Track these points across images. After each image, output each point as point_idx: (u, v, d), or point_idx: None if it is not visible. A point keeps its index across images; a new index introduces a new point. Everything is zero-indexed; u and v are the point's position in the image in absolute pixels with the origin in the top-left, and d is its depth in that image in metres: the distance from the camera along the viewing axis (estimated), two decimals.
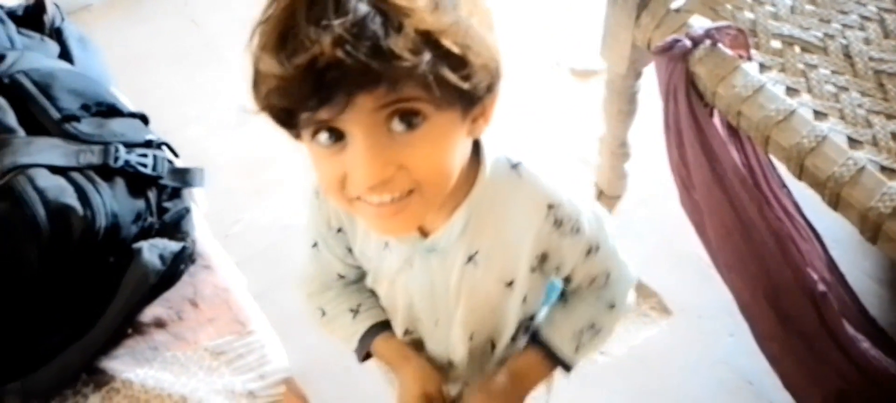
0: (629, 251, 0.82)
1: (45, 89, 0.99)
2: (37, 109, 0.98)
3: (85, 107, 1.00)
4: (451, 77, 0.52)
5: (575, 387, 1.08)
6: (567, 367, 0.81)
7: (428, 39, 0.50)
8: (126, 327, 0.97)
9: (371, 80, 0.49)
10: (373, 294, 0.85)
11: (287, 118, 0.54)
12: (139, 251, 0.93)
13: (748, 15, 1.23)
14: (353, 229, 0.76)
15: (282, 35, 0.50)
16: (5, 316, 0.89)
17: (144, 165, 0.97)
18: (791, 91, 1.13)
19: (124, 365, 0.97)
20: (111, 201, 0.92)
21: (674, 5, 1.25)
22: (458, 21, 0.52)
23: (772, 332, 1.22)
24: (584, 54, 2.16)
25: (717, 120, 1.18)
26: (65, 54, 1.21)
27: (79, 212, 0.89)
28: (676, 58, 1.17)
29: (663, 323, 1.68)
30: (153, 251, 0.94)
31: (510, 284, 0.74)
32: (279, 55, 0.50)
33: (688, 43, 1.16)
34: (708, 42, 1.13)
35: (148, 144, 1.01)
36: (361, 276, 0.84)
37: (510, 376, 0.79)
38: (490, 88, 0.58)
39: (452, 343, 0.81)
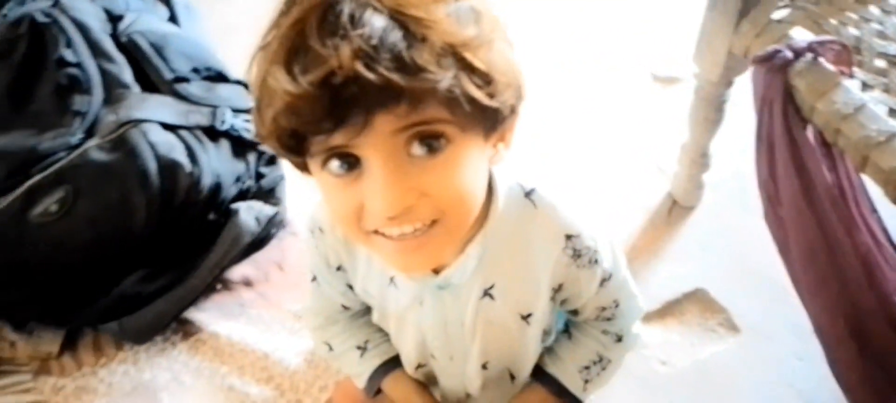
0: (638, 287, 0.78)
1: (159, 50, 1.04)
2: (151, 69, 1.03)
3: (195, 71, 1.05)
4: (477, 94, 0.47)
5: (636, 395, 1.08)
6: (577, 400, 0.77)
7: (452, 52, 0.46)
8: (216, 282, 1.01)
9: (392, 98, 0.45)
10: (380, 329, 0.79)
11: (295, 144, 0.48)
12: (237, 211, 0.98)
13: (853, 31, 1.19)
14: (354, 267, 0.71)
15: (293, 49, 0.45)
16: (111, 260, 0.95)
17: (248, 130, 1.02)
18: (894, 113, 1.09)
19: (212, 318, 1.02)
20: (216, 161, 0.97)
21: (776, 15, 1.22)
22: (480, 35, 0.48)
23: (849, 360, 1.18)
24: (668, 60, 2.13)
25: (810, 135, 1.15)
26: (172, 19, 1.27)
27: (186, 169, 0.94)
28: (775, 69, 1.14)
29: (730, 340, 1.65)
30: (249, 212, 0.98)
31: (528, 317, 0.69)
32: (291, 70, 0.45)
33: (789, 54, 1.13)
34: (810, 55, 1.10)
35: (251, 111, 1.05)
36: (368, 309, 0.78)
37: None
38: (513, 109, 0.54)
39: (469, 377, 0.77)
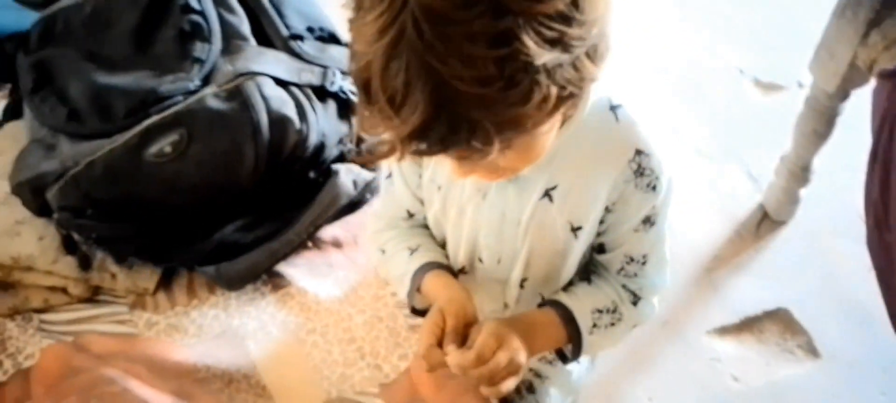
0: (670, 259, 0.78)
1: (277, 6, 1.06)
2: (267, 23, 1.06)
3: (309, 30, 1.07)
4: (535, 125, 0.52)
5: None
6: (578, 345, 0.76)
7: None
8: (308, 240, 1.04)
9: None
10: (434, 240, 0.82)
11: None
12: (337, 172, 0.99)
13: None
14: None
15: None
16: (214, 205, 0.98)
17: (354, 93, 1.03)
18: None
19: (301, 274, 1.04)
20: (323, 121, 0.98)
21: None
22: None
23: None
24: (772, 66, 2.05)
25: None
26: None
27: (296, 125, 0.96)
28: None
29: (809, 365, 1.58)
30: (349, 175, 1.00)
31: (577, 230, 0.71)
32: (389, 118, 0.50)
33: None
34: None
35: None
36: (425, 221, 0.82)
37: (528, 323, 0.74)
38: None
39: (510, 285, 0.79)
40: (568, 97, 0.52)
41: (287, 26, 1.05)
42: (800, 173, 1.58)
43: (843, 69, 1.22)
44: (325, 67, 1.03)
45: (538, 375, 0.91)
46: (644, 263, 0.75)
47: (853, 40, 1.17)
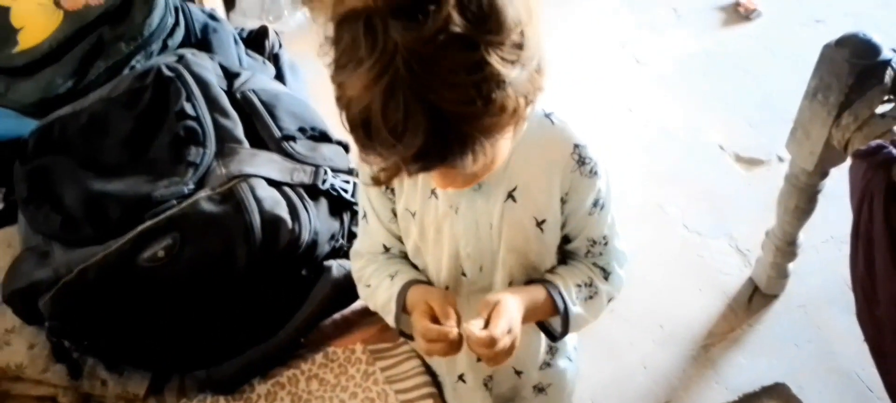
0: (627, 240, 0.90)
1: (270, 108, 1.08)
2: (261, 125, 1.07)
3: (301, 130, 1.09)
4: (509, 129, 0.63)
5: None
6: (565, 321, 0.85)
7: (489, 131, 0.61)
8: (303, 336, 1.03)
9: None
10: (412, 264, 0.90)
11: None
12: (329, 268, 0.99)
13: None
14: (400, 184, 0.83)
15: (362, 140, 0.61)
16: (206, 308, 0.98)
17: (346, 190, 1.04)
18: None
19: (293, 363, 1.03)
20: (315, 219, 0.99)
21: (880, 110, 1.18)
22: (516, 74, 0.59)
23: None
24: (752, 141, 2.08)
25: None
26: (279, 77, 1.32)
27: (288, 225, 0.96)
28: (878, 165, 1.10)
29: None
30: (341, 270, 0.99)
31: (542, 223, 0.82)
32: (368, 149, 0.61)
33: (893, 151, 1.09)
34: None
35: (350, 172, 1.08)
36: (403, 252, 0.91)
37: (530, 300, 0.82)
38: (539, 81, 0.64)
39: (496, 289, 0.86)
40: (529, 104, 0.63)
41: (280, 128, 1.07)
42: (786, 248, 1.59)
43: (819, 149, 1.25)
44: (316, 166, 1.04)
45: (541, 390, 1.02)
46: (606, 243, 0.87)
47: (826, 121, 1.20)
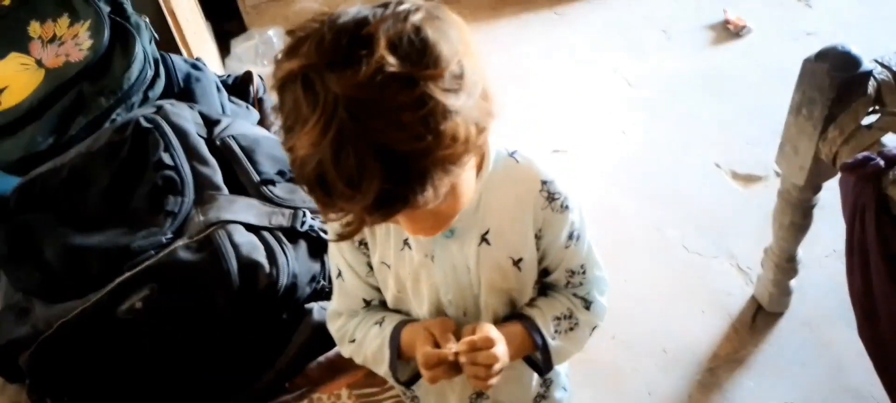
0: (603, 268, 0.89)
1: (249, 154, 1.08)
2: (240, 170, 1.07)
3: (281, 173, 1.08)
4: (464, 160, 0.62)
5: None
6: (546, 355, 0.84)
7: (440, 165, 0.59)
8: (286, 380, 1.00)
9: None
10: (396, 311, 0.88)
11: None
12: (310, 311, 0.97)
13: None
14: (373, 239, 0.82)
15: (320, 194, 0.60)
16: (189, 356, 0.96)
17: (325, 232, 1.02)
18: None
19: None
20: (293, 262, 0.97)
21: (866, 121, 1.15)
22: (460, 110, 0.58)
23: None
24: (748, 158, 2.05)
25: None
26: (262, 121, 1.32)
27: (266, 270, 0.94)
28: (867, 177, 1.07)
29: None
30: (322, 313, 0.97)
31: (519, 262, 0.81)
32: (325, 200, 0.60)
33: (881, 162, 1.06)
34: None
35: None
36: (383, 302, 0.89)
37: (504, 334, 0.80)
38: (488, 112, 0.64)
39: None
40: (482, 131, 0.62)
41: (259, 172, 1.06)
42: (786, 264, 1.55)
43: (808, 164, 1.22)
44: (295, 209, 1.03)
45: None
46: (584, 272, 0.86)
47: (813, 136, 1.18)
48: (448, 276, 0.81)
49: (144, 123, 1.06)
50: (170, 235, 0.97)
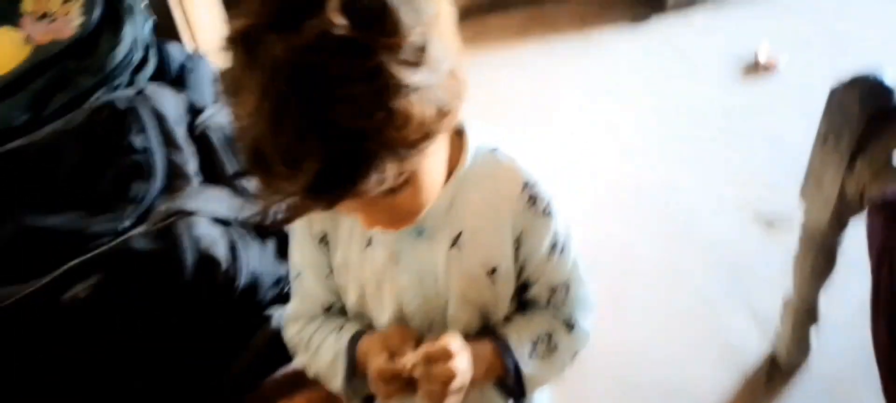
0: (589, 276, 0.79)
1: (230, 144, 1.02)
2: (217, 162, 1.00)
3: None
4: (423, 144, 0.54)
5: None
6: (519, 381, 0.75)
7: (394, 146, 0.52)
8: (241, 392, 0.92)
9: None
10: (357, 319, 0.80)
11: None
12: (269, 318, 0.89)
13: None
14: (336, 235, 0.74)
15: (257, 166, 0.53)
16: (134, 355, 0.88)
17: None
18: None
19: None
20: (256, 261, 0.90)
21: None
22: (423, 86, 0.52)
23: None
24: (772, 202, 1.94)
25: None
26: None
27: (223, 266, 0.87)
28: None
29: None
30: (281, 320, 0.89)
31: (494, 273, 0.72)
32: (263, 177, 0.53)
33: None
34: None
35: None
36: (343, 308, 0.81)
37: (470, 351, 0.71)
38: (458, 94, 0.57)
39: None
40: (445, 115, 0.55)
41: (236, 163, 1.00)
42: (806, 315, 1.43)
43: (833, 198, 1.11)
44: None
45: None
46: (567, 290, 0.77)
47: (839, 168, 1.07)
48: (413, 282, 0.73)
49: (122, 104, 1.01)
50: (129, 222, 0.91)
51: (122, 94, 1.04)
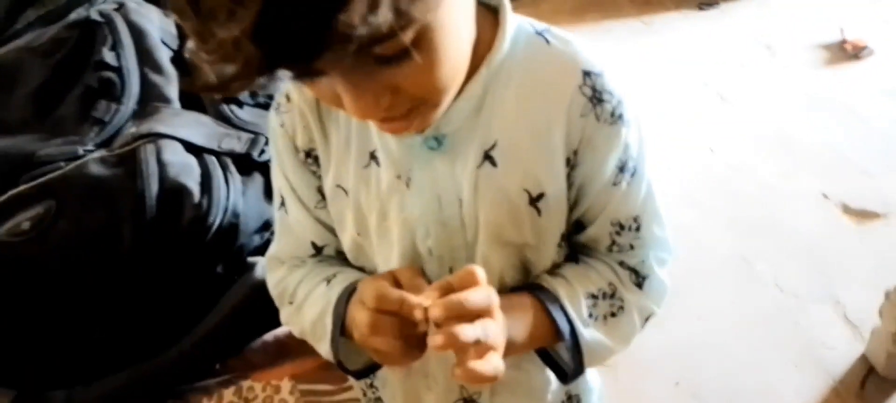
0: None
1: None
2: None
3: (253, 94, 0.84)
4: None
5: None
6: (576, 350, 0.55)
7: None
8: (214, 357, 0.74)
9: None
10: (354, 267, 0.62)
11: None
12: (253, 266, 0.71)
13: None
14: (327, 149, 0.57)
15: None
16: (81, 303, 0.71)
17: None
18: None
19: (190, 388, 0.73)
20: (236, 197, 0.72)
21: None
22: None
23: None
24: (864, 191, 1.69)
25: None
26: None
27: (194, 199, 0.69)
28: None
29: None
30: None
31: (539, 200, 0.54)
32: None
33: None
34: None
35: None
36: (340, 251, 0.62)
37: (503, 304, 0.51)
38: None
39: None
40: None
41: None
42: None
43: None
44: (256, 135, 0.78)
45: None
46: (638, 228, 0.58)
47: None
48: (430, 210, 0.55)
49: (96, 17, 0.85)
50: (90, 147, 0.74)
51: (100, 8, 0.88)
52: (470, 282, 0.48)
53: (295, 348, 0.76)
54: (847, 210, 1.68)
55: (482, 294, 0.48)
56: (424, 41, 0.40)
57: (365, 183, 0.56)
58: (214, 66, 0.36)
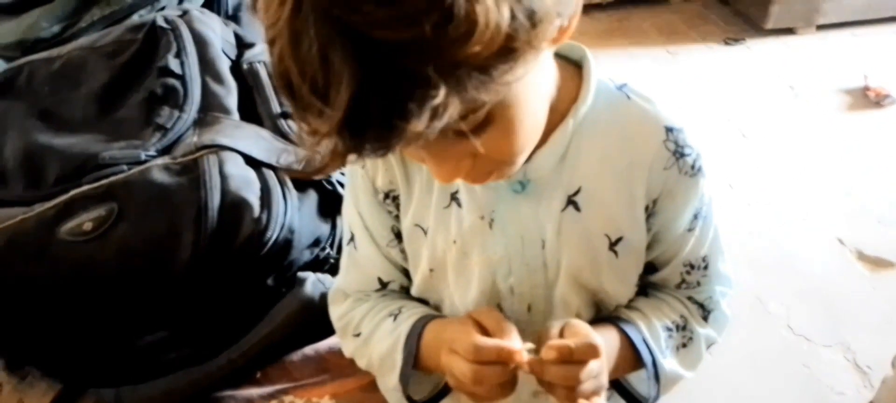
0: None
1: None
2: (260, 99, 0.84)
3: None
4: (507, 68, 0.37)
5: None
6: (656, 378, 0.58)
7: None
8: (257, 366, 0.75)
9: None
10: (420, 300, 0.64)
11: None
12: (303, 282, 0.72)
13: None
14: (408, 189, 0.58)
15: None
16: (135, 307, 0.72)
17: (343, 185, 0.78)
18: None
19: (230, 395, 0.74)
20: (293, 213, 0.73)
21: None
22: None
23: None
24: (879, 239, 1.68)
25: None
26: None
27: (254, 213, 0.70)
28: None
29: None
30: (318, 287, 0.72)
31: (617, 244, 0.56)
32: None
33: None
34: None
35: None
36: (405, 287, 0.64)
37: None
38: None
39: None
40: (538, 22, 0.37)
41: (281, 102, 0.83)
42: None
43: None
44: None
45: None
46: (706, 266, 0.61)
47: None
48: (513, 250, 0.56)
49: (162, 23, 0.86)
50: (152, 152, 0.75)
51: (165, 14, 0.89)
52: (591, 355, 0.50)
53: (335, 365, 0.76)
54: (862, 256, 1.68)
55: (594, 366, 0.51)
56: (500, 114, 0.42)
57: (445, 223, 0.57)
58: (311, 146, 0.39)
